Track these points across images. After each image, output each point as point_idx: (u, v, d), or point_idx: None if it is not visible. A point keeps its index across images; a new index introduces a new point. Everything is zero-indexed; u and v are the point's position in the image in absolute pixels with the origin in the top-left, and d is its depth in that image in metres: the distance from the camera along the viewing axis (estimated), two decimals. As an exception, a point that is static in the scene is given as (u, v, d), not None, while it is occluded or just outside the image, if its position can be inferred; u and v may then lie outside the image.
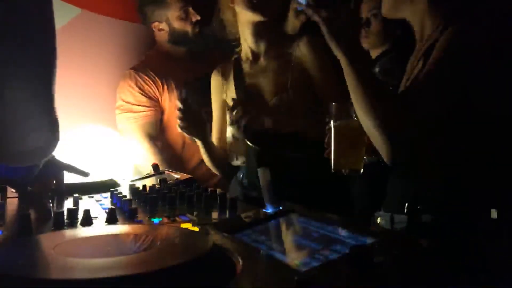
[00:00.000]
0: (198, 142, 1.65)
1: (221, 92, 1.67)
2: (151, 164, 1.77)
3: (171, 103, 2.10)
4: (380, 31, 1.99)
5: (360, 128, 1.05)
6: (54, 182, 1.24)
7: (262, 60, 1.56)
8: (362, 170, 1.06)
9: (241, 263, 0.61)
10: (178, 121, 1.58)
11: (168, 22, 2.07)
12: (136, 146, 2.09)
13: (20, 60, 0.72)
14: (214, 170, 1.73)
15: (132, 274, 0.53)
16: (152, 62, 2.13)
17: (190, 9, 2.06)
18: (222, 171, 1.72)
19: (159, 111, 2.12)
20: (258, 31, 1.52)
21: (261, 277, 0.60)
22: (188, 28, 2.08)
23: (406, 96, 1.02)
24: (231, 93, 1.61)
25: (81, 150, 2.03)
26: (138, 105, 2.06)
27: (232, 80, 1.61)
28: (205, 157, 1.68)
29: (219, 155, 1.69)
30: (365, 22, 1.96)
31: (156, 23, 2.09)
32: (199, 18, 2.06)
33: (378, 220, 1.19)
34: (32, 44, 0.74)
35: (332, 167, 1.06)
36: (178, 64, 2.15)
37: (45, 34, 0.77)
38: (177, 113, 1.57)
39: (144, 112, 2.07)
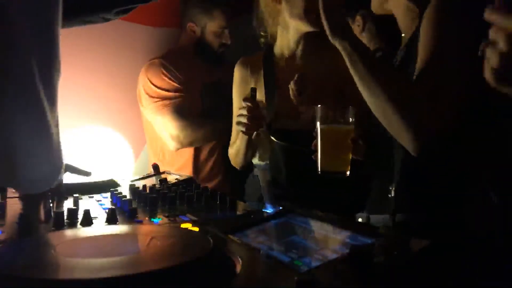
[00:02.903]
0: (242, 136, 1.52)
1: (247, 84, 1.60)
2: (151, 164, 1.77)
3: None
4: (370, 29, 2.02)
5: (345, 131, 1.06)
6: None
7: (299, 59, 1.52)
8: (348, 172, 1.07)
9: (241, 263, 0.61)
10: (245, 120, 1.42)
11: (204, 30, 2.14)
12: (177, 134, 2.06)
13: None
14: (240, 163, 1.62)
15: (132, 274, 0.53)
16: (174, 58, 2.16)
17: (227, 31, 2.15)
18: (245, 165, 1.63)
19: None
20: (306, 36, 1.49)
21: (261, 277, 0.60)
22: (215, 45, 2.16)
23: (423, 81, 0.96)
24: (259, 87, 1.54)
25: (81, 150, 2.03)
26: (174, 91, 2.06)
27: (262, 75, 1.57)
28: (242, 150, 1.56)
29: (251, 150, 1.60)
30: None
31: (192, 24, 2.15)
32: (229, 43, 2.16)
33: (359, 220, 1.20)
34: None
35: (318, 169, 1.08)
36: (197, 65, 2.18)
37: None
38: (244, 111, 1.42)
39: (179, 98, 2.07)
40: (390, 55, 1.26)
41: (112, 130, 2.20)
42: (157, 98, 2.06)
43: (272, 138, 1.47)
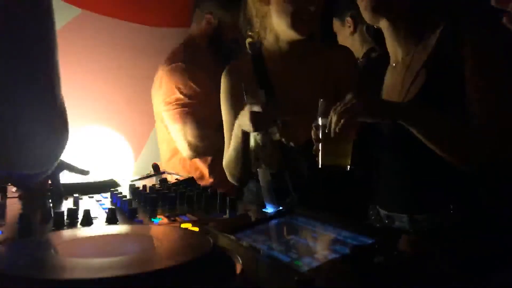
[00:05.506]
0: (236, 140, 1.43)
1: (237, 92, 1.48)
2: (151, 164, 1.77)
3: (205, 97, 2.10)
4: (362, 30, 2.03)
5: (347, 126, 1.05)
6: (49, 182, 1.23)
7: (292, 62, 1.47)
8: (349, 167, 1.07)
9: (241, 263, 0.61)
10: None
11: (220, 22, 2.13)
12: (195, 143, 2.04)
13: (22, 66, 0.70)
14: (237, 174, 1.50)
15: (132, 274, 0.53)
16: (193, 59, 2.11)
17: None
18: (241, 177, 1.51)
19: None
20: (298, 43, 1.45)
21: (261, 277, 0.60)
22: (228, 39, 2.13)
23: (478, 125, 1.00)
24: (252, 95, 1.41)
25: (81, 150, 2.03)
26: (195, 98, 2.03)
27: (252, 80, 1.48)
28: (239, 154, 1.44)
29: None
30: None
31: (210, 16, 2.13)
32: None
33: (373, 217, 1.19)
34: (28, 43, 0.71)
35: (319, 164, 1.07)
36: (211, 61, 2.13)
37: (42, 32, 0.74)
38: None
39: (199, 106, 2.03)
40: (385, 55, 1.25)
41: (112, 130, 2.20)
42: (177, 105, 2.03)
43: (291, 144, 1.38)
